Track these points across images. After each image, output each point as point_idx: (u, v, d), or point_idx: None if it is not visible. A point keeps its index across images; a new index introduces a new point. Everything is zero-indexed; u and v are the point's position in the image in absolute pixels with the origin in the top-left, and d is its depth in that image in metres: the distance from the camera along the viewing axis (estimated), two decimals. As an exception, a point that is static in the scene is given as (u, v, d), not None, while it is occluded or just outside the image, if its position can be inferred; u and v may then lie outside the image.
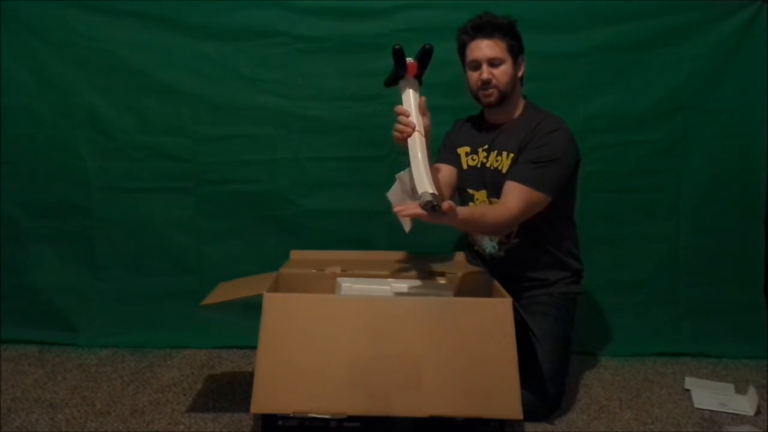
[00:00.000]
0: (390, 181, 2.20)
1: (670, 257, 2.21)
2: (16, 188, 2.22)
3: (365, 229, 2.24)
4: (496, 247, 1.85)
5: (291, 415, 1.36)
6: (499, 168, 1.78)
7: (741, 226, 2.19)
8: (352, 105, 2.21)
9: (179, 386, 1.87)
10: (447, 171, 1.89)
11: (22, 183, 2.22)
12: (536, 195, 1.67)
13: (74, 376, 1.94)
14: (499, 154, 1.79)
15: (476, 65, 1.77)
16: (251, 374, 1.39)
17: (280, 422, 1.42)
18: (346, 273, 1.72)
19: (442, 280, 1.69)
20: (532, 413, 1.59)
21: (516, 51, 1.78)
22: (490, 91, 1.77)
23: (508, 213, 1.64)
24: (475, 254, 1.93)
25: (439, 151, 1.93)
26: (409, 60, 1.57)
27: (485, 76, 1.75)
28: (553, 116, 1.79)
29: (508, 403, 1.36)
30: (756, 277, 2.19)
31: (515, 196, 1.66)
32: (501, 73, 1.76)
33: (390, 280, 1.61)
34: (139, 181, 2.23)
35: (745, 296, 2.19)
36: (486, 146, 1.83)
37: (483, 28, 1.75)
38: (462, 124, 1.97)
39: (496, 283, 1.65)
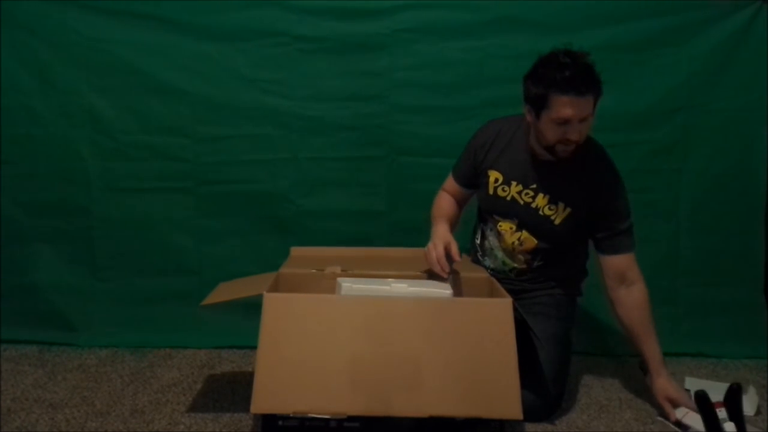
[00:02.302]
0: (390, 182, 2.22)
1: (670, 257, 2.21)
2: (16, 188, 2.22)
3: (365, 229, 2.24)
4: (513, 271, 1.83)
5: (291, 415, 1.36)
6: (552, 217, 1.72)
7: (741, 226, 2.20)
8: (352, 105, 2.21)
9: (179, 386, 1.87)
10: (455, 198, 1.90)
11: (22, 183, 2.22)
12: (634, 255, 1.73)
13: (74, 376, 1.94)
14: (553, 202, 1.71)
15: (565, 122, 1.58)
16: (251, 374, 1.39)
17: (280, 422, 1.42)
18: (346, 273, 1.72)
19: (442, 280, 1.68)
20: (532, 413, 1.59)
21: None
22: (572, 147, 1.63)
23: (644, 285, 1.72)
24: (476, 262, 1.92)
25: (460, 165, 1.87)
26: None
27: (576, 137, 1.60)
28: (603, 163, 1.72)
29: (508, 403, 1.36)
30: (756, 277, 2.19)
31: (635, 265, 1.72)
32: (586, 129, 1.62)
33: (390, 279, 1.61)
34: (139, 181, 2.23)
35: (745, 296, 2.19)
36: (533, 185, 1.73)
37: (577, 85, 1.55)
38: (494, 141, 1.79)
39: (496, 283, 1.65)
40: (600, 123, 2.16)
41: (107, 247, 2.24)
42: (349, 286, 1.54)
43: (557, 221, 1.72)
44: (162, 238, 2.24)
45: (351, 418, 1.37)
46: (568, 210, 1.71)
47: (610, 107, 2.16)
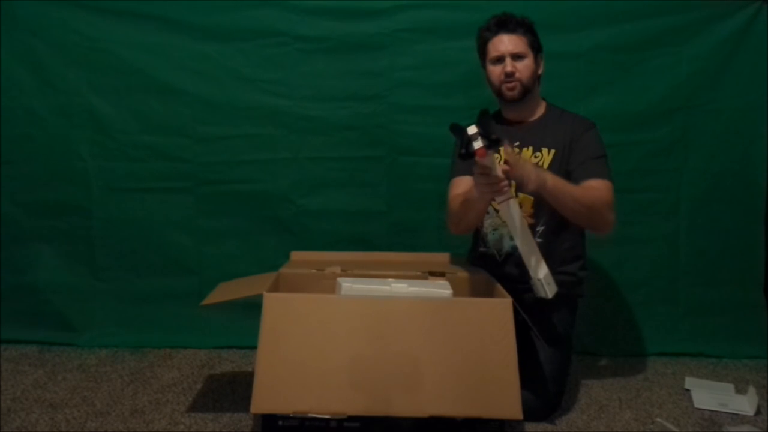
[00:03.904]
0: (390, 182, 2.22)
1: (670, 257, 2.21)
2: (16, 188, 2.22)
3: (365, 229, 2.24)
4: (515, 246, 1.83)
5: (291, 415, 1.36)
6: (540, 164, 1.77)
7: (741, 226, 2.19)
8: (352, 105, 2.22)
9: (179, 386, 1.87)
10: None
11: (22, 183, 2.22)
12: (612, 186, 1.72)
13: (74, 376, 1.94)
14: (537, 149, 1.79)
15: (499, 59, 1.78)
16: (251, 374, 1.39)
17: (280, 422, 1.42)
18: (346, 273, 1.72)
19: (442, 280, 1.68)
20: (532, 413, 1.59)
21: (536, 47, 1.81)
22: (514, 83, 1.77)
23: (605, 197, 1.68)
24: (480, 257, 1.90)
25: (455, 161, 1.86)
26: (478, 145, 1.48)
27: (509, 68, 1.76)
28: (580, 115, 1.84)
29: (508, 403, 1.36)
30: (756, 277, 2.19)
31: (605, 188, 1.69)
32: (524, 67, 1.77)
33: (390, 280, 1.61)
34: (139, 181, 2.23)
35: (745, 296, 2.19)
36: (516, 143, 1.80)
37: (506, 24, 1.78)
38: None
39: (496, 284, 1.65)
40: (600, 123, 2.18)
41: (107, 247, 2.24)
42: (349, 286, 1.54)
43: (545, 165, 1.77)
44: (162, 238, 2.24)
45: (351, 418, 1.37)
46: (553, 152, 1.78)
47: (610, 107, 2.18)
